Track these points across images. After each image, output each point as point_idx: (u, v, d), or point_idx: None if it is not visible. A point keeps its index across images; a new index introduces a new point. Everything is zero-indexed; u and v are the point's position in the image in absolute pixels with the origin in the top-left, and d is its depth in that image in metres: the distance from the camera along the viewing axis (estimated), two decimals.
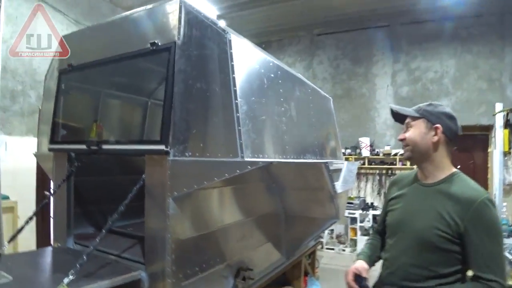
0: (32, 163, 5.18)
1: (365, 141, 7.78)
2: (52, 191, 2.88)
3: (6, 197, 4.75)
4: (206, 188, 2.08)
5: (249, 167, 1.81)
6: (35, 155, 3.49)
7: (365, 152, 7.76)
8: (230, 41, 2.03)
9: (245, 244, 2.73)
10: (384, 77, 7.92)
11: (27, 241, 4.89)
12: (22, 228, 2.62)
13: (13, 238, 2.61)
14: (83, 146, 2.50)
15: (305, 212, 3.28)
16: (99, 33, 2.75)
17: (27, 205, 5.12)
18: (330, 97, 4.50)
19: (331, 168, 3.09)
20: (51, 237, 5.36)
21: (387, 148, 7.64)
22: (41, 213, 5.23)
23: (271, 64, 2.62)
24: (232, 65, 1.97)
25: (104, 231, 2.01)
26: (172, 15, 2.09)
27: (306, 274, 4.62)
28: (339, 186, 3.56)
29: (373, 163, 7.76)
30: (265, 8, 7.22)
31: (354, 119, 8.12)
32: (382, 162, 7.68)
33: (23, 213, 5.00)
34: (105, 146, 2.36)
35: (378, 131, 7.91)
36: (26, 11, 5.12)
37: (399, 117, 1.87)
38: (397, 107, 1.86)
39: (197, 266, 2.21)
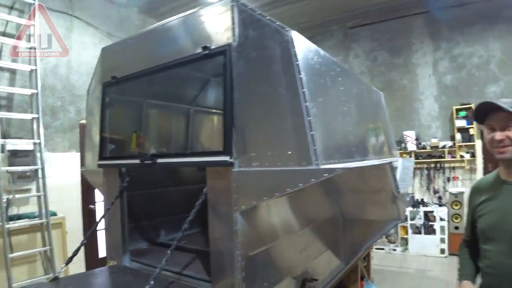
0: (76, 177, 5.24)
1: (410, 135, 7.41)
2: (105, 207, 2.82)
3: (54, 213, 4.80)
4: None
5: (325, 175, 1.64)
6: (83, 171, 3.44)
7: (411, 146, 7.38)
8: (292, 39, 1.86)
9: (308, 253, 2.58)
10: (425, 66, 7.51)
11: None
12: (78, 248, 2.56)
13: (69, 261, 2.55)
14: (136, 161, 2.41)
15: (365, 215, 3.10)
16: (141, 43, 2.66)
17: (74, 219, 5.19)
18: (381, 92, 4.26)
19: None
20: (98, 249, 5.44)
21: (434, 140, 7.23)
22: (88, 225, 5.29)
23: (330, 61, 2.44)
24: (297, 65, 1.80)
25: (169, 252, 1.89)
26: (224, 16, 1.96)
27: (362, 278, 4.41)
28: (399, 185, 3.36)
29: (420, 157, 7.39)
30: (295, 5, 7.04)
31: (397, 112, 7.73)
32: (430, 156, 7.29)
33: (70, 227, 5.05)
34: (160, 160, 2.25)
35: (423, 123, 7.50)
36: (61, 30, 5.17)
37: (482, 116, 1.70)
38: (499, 104, 1.65)
39: (265, 281, 2.07)
